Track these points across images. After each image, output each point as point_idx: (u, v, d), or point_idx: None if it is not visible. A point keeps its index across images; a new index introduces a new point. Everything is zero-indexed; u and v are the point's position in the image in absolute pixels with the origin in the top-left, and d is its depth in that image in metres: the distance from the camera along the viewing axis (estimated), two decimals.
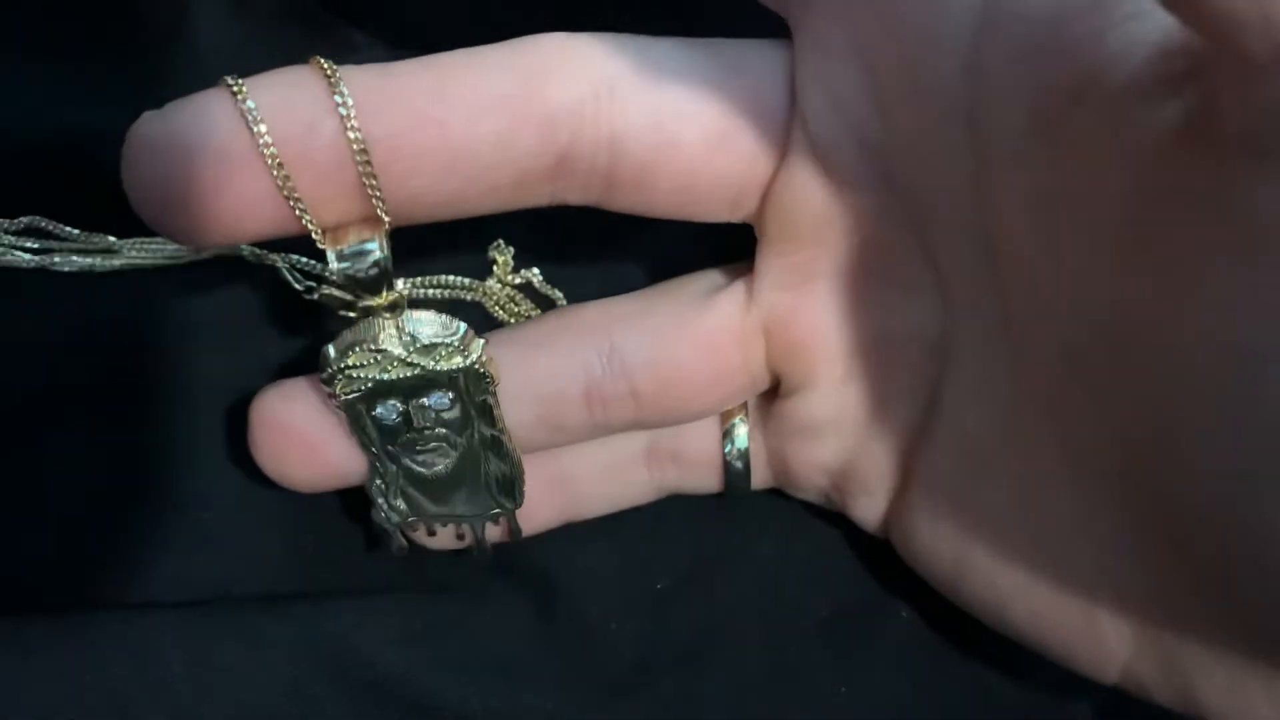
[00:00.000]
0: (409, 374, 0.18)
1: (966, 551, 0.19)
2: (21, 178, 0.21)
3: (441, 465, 0.19)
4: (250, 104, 0.16)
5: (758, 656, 0.22)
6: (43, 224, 0.22)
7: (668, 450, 0.21)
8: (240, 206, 0.16)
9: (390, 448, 0.19)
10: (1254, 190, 0.13)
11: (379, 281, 0.17)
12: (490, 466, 0.20)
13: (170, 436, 0.21)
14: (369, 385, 0.18)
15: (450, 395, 0.18)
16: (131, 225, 0.19)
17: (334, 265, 0.17)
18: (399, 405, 0.18)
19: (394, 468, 0.19)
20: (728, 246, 0.20)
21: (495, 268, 0.24)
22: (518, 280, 0.24)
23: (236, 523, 0.21)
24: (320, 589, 0.21)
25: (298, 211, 0.16)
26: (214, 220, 0.16)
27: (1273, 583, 0.15)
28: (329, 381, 0.18)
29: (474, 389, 0.18)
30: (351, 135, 0.16)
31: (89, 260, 0.21)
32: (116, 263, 0.22)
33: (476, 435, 0.19)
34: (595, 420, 0.20)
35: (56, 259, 0.21)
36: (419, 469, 0.19)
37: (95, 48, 0.21)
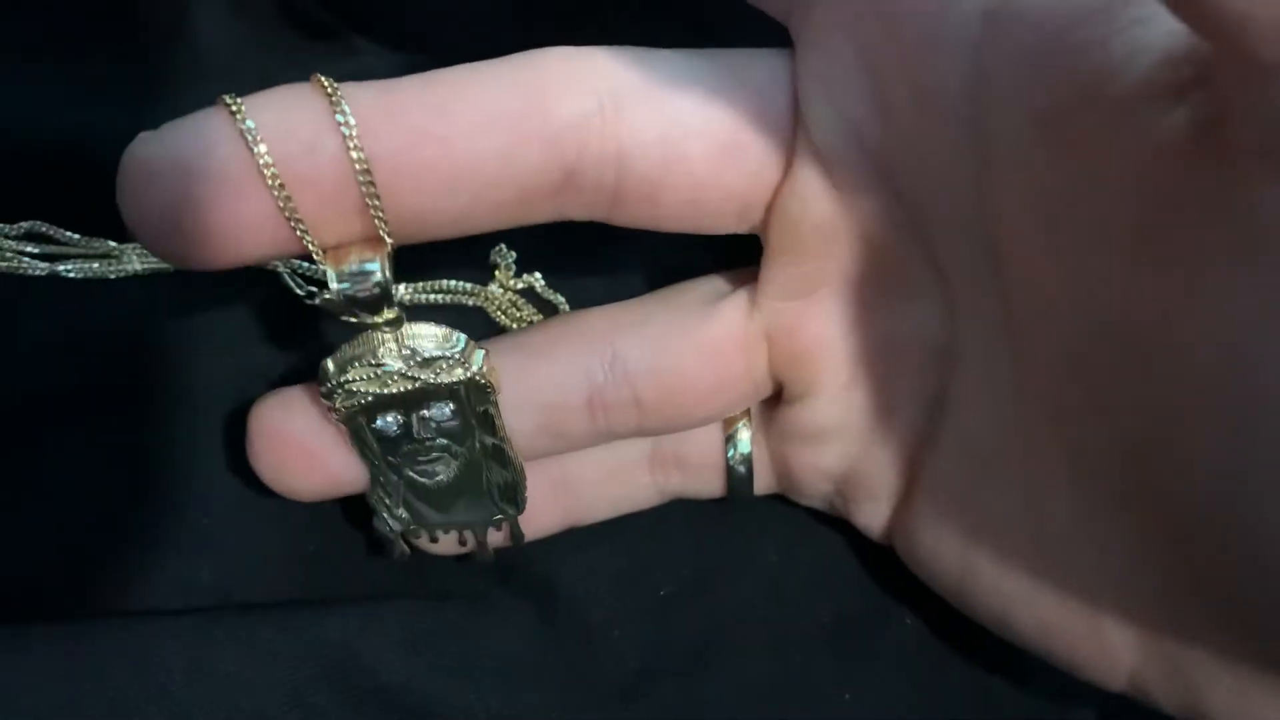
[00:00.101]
0: (409, 388, 0.18)
1: (971, 557, 0.19)
2: (21, 180, 0.21)
3: (443, 475, 0.19)
4: (249, 123, 0.15)
5: (761, 662, 0.22)
6: (43, 229, 0.22)
7: (671, 455, 0.21)
8: (240, 228, 0.16)
9: (391, 458, 0.19)
10: (1259, 194, 0.13)
11: (380, 302, 0.17)
12: (492, 475, 0.19)
13: (171, 441, 0.21)
14: (369, 399, 0.18)
15: (451, 406, 0.18)
16: None
17: (335, 286, 0.17)
18: (400, 417, 0.18)
19: (395, 478, 0.19)
20: (730, 251, 0.20)
21: (497, 273, 0.24)
22: (520, 285, 0.24)
23: (237, 528, 0.21)
24: (321, 595, 0.21)
25: (299, 232, 0.16)
26: (213, 243, 0.16)
27: (1274, 584, 0.15)
28: (329, 396, 0.18)
29: (475, 400, 0.18)
30: (354, 154, 0.16)
31: (96, 266, 0.21)
32: (125, 270, 0.22)
33: (478, 444, 0.19)
34: (597, 427, 0.20)
35: (66, 267, 0.21)
36: (421, 479, 0.19)
37: (95, 48, 0.21)
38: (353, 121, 0.16)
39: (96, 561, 0.20)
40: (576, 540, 0.22)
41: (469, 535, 0.21)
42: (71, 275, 0.21)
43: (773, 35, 0.18)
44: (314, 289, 0.22)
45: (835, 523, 0.22)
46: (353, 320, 0.18)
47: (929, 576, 0.21)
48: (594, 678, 0.21)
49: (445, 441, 0.19)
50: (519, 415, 0.19)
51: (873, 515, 0.21)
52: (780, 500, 0.23)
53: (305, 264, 0.22)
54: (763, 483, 0.22)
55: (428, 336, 0.18)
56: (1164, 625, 0.17)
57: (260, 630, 0.19)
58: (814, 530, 0.23)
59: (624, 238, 0.21)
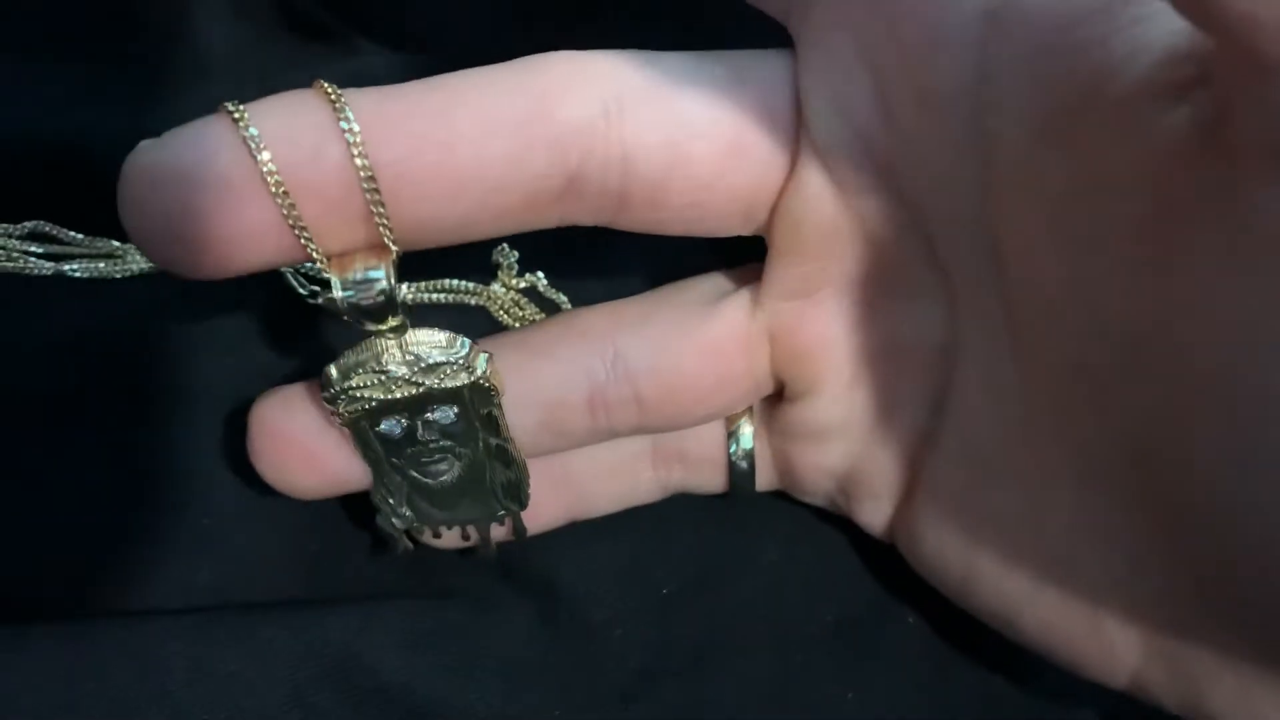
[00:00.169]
0: (414, 393, 0.18)
1: (973, 557, 0.19)
2: (22, 180, 0.21)
3: (447, 475, 0.19)
4: (252, 130, 0.15)
5: (763, 662, 0.22)
6: (46, 229, 0.22)
7: (673, 450, 0.21)
8: (243, 237, 0.15)
9: (395, 460, 0.19)
10: (1260, 194, 0.13)
11: (385, 310, 0.17)
12: (496, 474, 0.19)
13: (172, 441, 0.21)
14: (373, 404, 0.18)
15: (455, 410, 0.18)
16: None
17: (339, 294, 0.16)
18: (404, 421, 0.18)
19: (399, 478, 0.19)
20: (732, 248, 0.20)
21: (500, 272, 0.24)
22: (522, 284, 0.24)
23: (238, 528, 0.21)
24: (322, 594, 0.21)
25: (303, 240, 0.16)
26: (216, 252, 0.15)
27: (1275, 583, 0.15)
28: (332, 401, 0.18)
29: (479, 403, 0.18)
30: (358, 161, 0.15)
31: (101, 265, 0.21)
32: (129, 269, 0.22)
33: (482, 445, 0.19)
34: (599, 425, 0.20)
35: (73, 266, 0.21)
36: (425, 479, 0.19)
37: (95, 48, 0.21)
38: (356, 128, 0.15)
39: (97, 561, 0.20)
40: (578, 538, 0.22)
41: (472, 530, 0.21)
42: (76, 275, 0.21)
43: (775, 35, 0.18)
44: (316, 288, 0.22)
45: (837, 521, 0.22)
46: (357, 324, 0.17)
47: (931, 575, 0.21)
48: (595, 677, 0.21)
49: (449, 443, 0.19)
50: (520, 413, 0.19)
51: (875, 513, 0.21)
52: (782, 498, 0.22)
53: (308, 264, 0.22)
54: (764, 479, 0.22)
55: (431, 342, 0.17)
56: (1166, 624, 0.17)
57: (261, 630, 0.19)
58: (816, 529, 0.23)
59: (625, 237, 0.21)
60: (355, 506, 0.21)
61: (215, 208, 0.15)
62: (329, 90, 0.16)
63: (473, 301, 0.23)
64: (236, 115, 0.15)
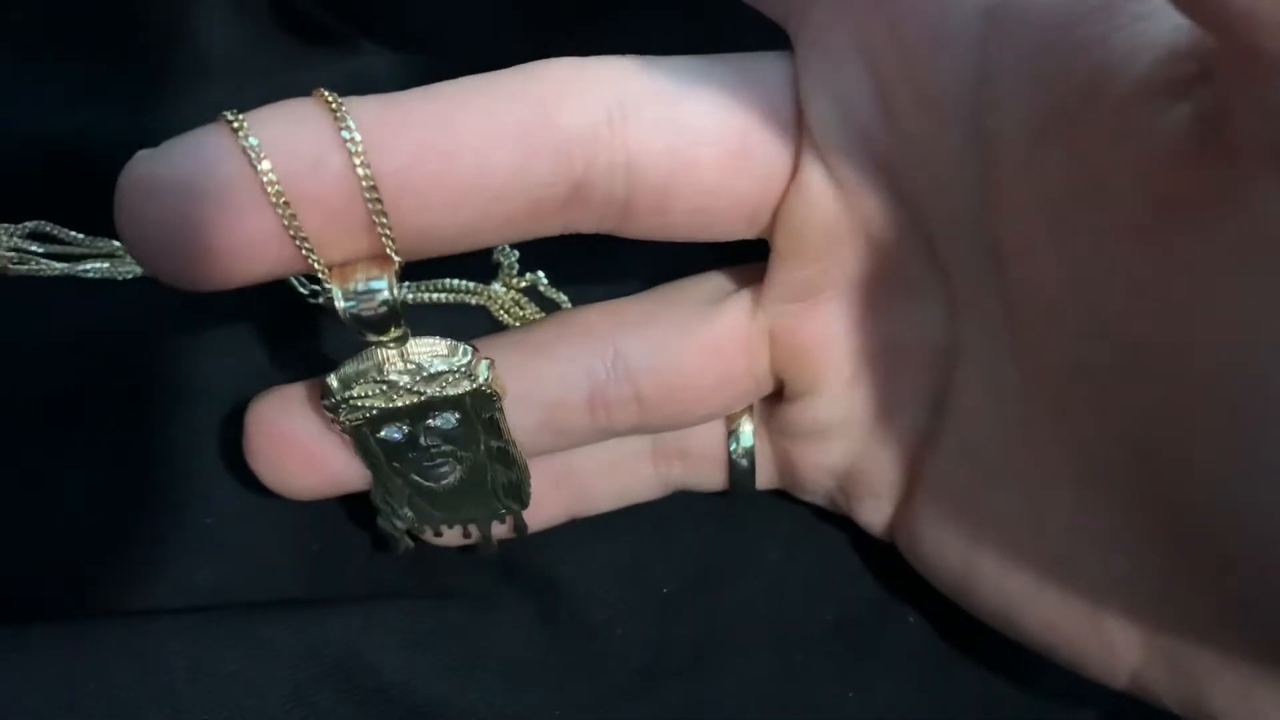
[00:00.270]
0: (415, 401, 0.18)
1: (973, 555, 0.19)
2: (22, 180, 0.21)
3: (448, 478, 0.19)
4: (252, 140, 0.15)
5: (764, 661, 0.22)
6: (47, 228, 0.22)
7: (673, 447, 0.21)
8: (243, 248, 0.15)
9: (396, 464, 0.19)
10: (1261, 192, 0.13)
11: (387, 321, 0.17)
12: (497, 475, 0.19)
13: (173, 441, 0.21)
14: (374, 413, 0.18)
15: (456, 415, 0.18)
16: None
17: (341, 305, 0.16)
18: (405, 427, 0.18)
19: (400, 481, 0.19)
20: (732, 247, 0.20)
21: (500, 271, 0.23)
22: (523, 284, 0.24)
23: (239, 527, 0.21)
24: (323, 594, 0.21)
25: (304, 251, 0.16)
26: (215, 263, 0.15)
27: (1276, 582, 0.14)
28: (333, 410, 0.18)
29: (481, 408, 0.18)
30: (360, 171, 0.15)
31: (102, 265, 0.21)
32: (133, 270, 0.22)
33: (483, 448, 0.19)
34: (599, 425, 0.20)
35: (73, 266, 0.21)
36: (426, 482, 0.19)
37: (95, 48, 0.21)
38: (358, 137, 0.15)
39: (98, 561, 0.20)
40: (579, 537, 0.22)
41: (473, 529, 0.21)
42: (76, 274, 0.21)
43: (775, 35, 0.18)
44: (318, 288, 0.22)
45: (837, 520, 0.22)
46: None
47: (931, 574, 0.20)
48: (596, 677, 0.21)
49: (450, 447, 0.19)
50: (520, 412, 0.19)
51: (875, 512, 0.21)
52: (782, 497, 0.22)
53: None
54: (765, 477, 0.22)
55: (433, 351, 0.17)
56: (1166, 623, 0.17)
57: (262, 630, 0.19)
58: (816, 528, 0.23)
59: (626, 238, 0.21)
60: (356, 506, 0.21)
61: (214, 219, 0.15)
62: (329, 98, 0.15)
63: (473, 301, 0.23)
64: (235, 124, 0.15)
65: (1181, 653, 0.17)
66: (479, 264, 0.23)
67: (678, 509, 0.22)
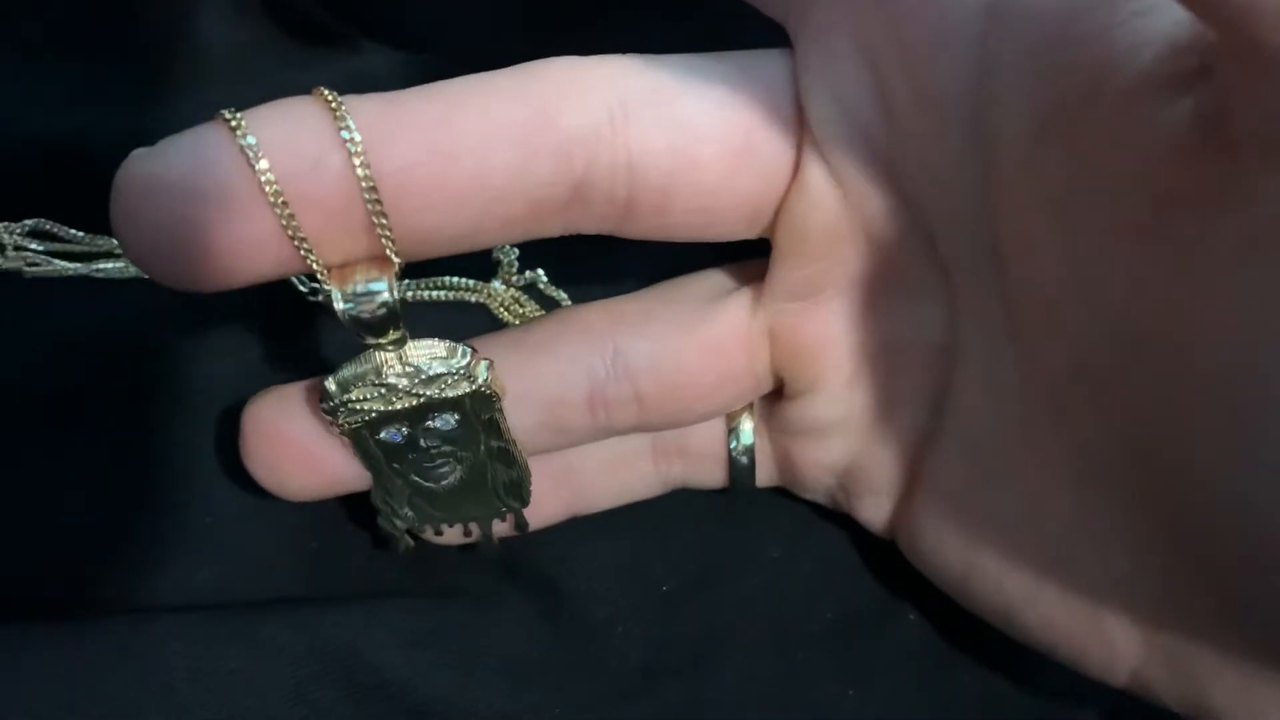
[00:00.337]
0: (414, 404, 0.18)
1: (973, 554, 0.19)
2: (23, 180, 0.21)
3: (448, 478, 0.19)
4: (250, 139, 0.15)
5: (764, 660, 0.22)
6: (47, 226, 0.22)
7: (673, 445, 0.21)
8: (242, 249, 0.15)
9: (395, 465, 0.19)
10: (1263, 188, 0.13)
11: (386, 323, 0.16)
12: (497, 474, 0.19)
13: (173, 440, 0.21)
14: (373, 416, 0.18)
15: (456, 417, 0.18)
16: None
17: (340, 306, 0.16)
18: (404, 429, 0.18)
19: (399, 481, 0.19)
20: (732, 245, 0.20)
21: (500, 269, 0.23)
22: (522, 282, 0.24)
23: (240, 527, 0.21)
24: (324, 593, 0.21)
25: (303, 252, 0.15)
26: (213, 264, 0.15)
27: (1276, 581, 0.14)
28: (331, 413, 0.18)
29: (480, 409, 0.18)
30: (360, 171, 0.15)
31: (102, 265, 0.21)
32: (132, 269, 0.22)
33: (483, 448, 0.19)
34: (598, 423, 0.20)
35: (74, 266, 0.21)
36: (426, 483, 0.19)
37: (95, 48, 0.21)
38: (358, 137, 0.15)
39: (99, 561, 0.20)
40: (579, 536, 0.22)
41: (474, 527, 0.21)
42: (77, 274, 0.21)
43: (776, 32, 0.18)
44: (317, 285, 0.22)
45: (838, 518, 0.22)
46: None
47: (932, 572, 0.20)
48: (597, 675, 0.21)
49: (450, 448, 0.19)
50: (520, 410, 0.19)
51: (875, 510, 0.21)
52: (782, 494, 0.22)
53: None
54: (765, 474, 0.22)
55: (431, 353, 0.17)
56: (1167, 622, 0.17)
57: (263, 628, 0.19)
58: (816, 526, 0.23)
59: None
60: (356, 506, 0.21)
61: (212, 219, 0.15)
62: (329, 97, 0.15)
63: (473, 299, 0.23)
64: (234, 123, 0.15)
65: (1181, 651, 0.17)
66: (479, 261, 0.23)
67: (678, 507, 0.22)
